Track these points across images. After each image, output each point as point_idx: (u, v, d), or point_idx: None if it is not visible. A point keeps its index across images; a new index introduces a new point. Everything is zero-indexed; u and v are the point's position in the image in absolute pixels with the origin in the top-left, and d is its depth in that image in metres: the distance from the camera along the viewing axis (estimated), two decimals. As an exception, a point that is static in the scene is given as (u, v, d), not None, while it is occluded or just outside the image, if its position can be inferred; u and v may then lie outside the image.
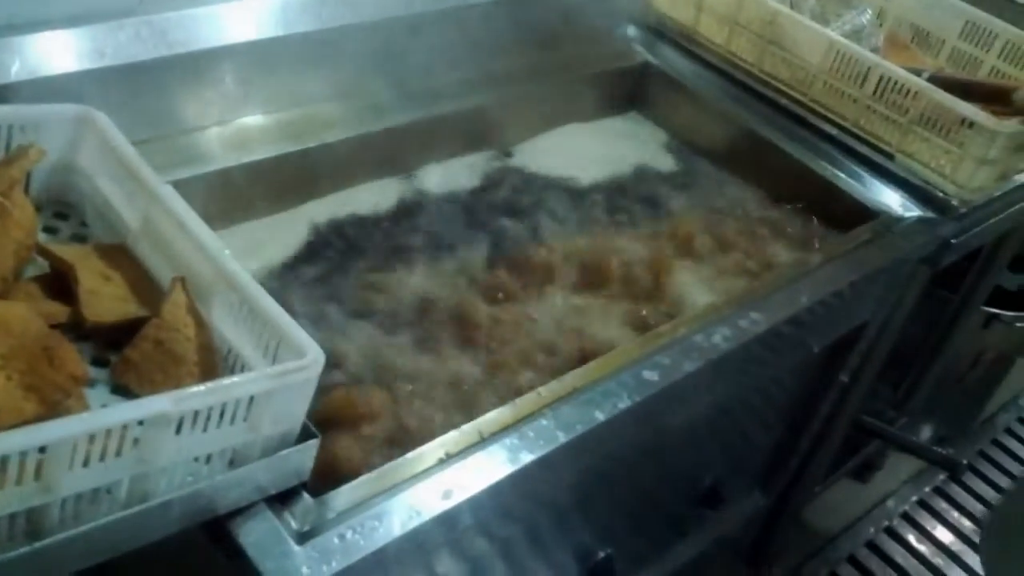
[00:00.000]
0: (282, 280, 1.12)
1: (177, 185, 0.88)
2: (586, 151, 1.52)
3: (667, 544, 1.42)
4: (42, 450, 0.60)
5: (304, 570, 0.71)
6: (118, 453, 0.63)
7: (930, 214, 1.34)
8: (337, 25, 1.25)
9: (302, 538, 0.73)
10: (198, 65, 1.13)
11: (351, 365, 1.03)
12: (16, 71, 1.00)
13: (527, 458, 0.84)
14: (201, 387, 0.66)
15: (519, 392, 0.96)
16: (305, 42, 1.22)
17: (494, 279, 1.21)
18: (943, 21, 1.68)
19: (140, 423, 0.64)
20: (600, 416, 0.89)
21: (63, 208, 0.94)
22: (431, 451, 0.83)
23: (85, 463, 0.62)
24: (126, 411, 0.63)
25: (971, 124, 1.32)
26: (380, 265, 1.19)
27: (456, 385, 1.04)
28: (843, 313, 1.28)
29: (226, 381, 0.68)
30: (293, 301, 1.08)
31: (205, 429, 0.68)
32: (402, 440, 0.95)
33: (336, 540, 0.74)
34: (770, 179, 1.49)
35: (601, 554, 1.18)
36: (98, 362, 0.80)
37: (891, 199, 1.37)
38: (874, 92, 1.41)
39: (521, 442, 0.85)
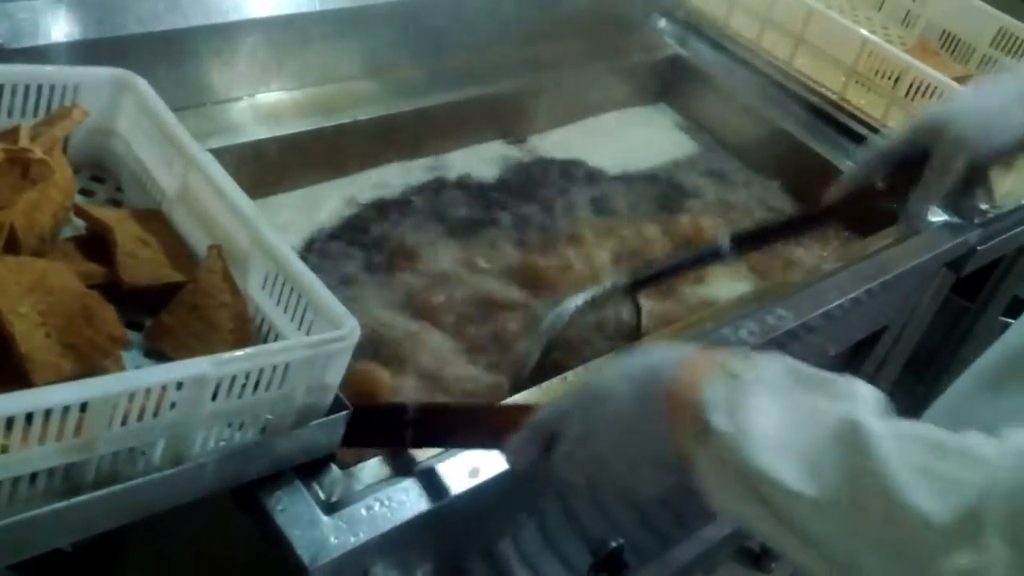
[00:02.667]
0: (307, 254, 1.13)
1: (209, 154, 0.88)
2: (614, 141, 1.52)
3: (675, 539, 1.42)
4: (83, 408, 0.60)
5: (332, 540, 0.71)
6: (156, 414, 0.64)
7: (956, 219, 1.33)
8: (371, 2, 1.25)
9: (330, 508, 0.74)
10: (233, 36, 1.14)
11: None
12: (54, 34, 1.00)
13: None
14: (240, 352, 0.66)
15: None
16: (338, 18, 1.22)
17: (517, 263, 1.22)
18: (975, 27, 1.68)
19: (179, 385, 0.64)
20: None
21: (99, 172, 0.94)
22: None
23: (124, 422, 0.62)
24: (166, 372, 0.64)
25: (1003, 130, 1.31)
26: (407, 244, 1.20)
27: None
28: (865, 315, 1.28)
29: (264, 347, 0.69)
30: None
31: (240, 395, 0.68)
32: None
33: (363, 512, 0.74)
34: (797, 177, 1.48)
35: (613, 544, 1.19)
36: (132, 325, 0.79)
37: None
38: (906, 93, 1.41)
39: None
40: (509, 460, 0.74)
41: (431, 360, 1.03)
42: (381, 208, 1.24)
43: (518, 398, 0.87)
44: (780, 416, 0.57)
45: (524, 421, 0.72)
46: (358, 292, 1.10)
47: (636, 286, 1.02)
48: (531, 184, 1.38)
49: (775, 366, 0.61)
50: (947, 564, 0.50)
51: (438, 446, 0.80)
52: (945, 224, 1.33)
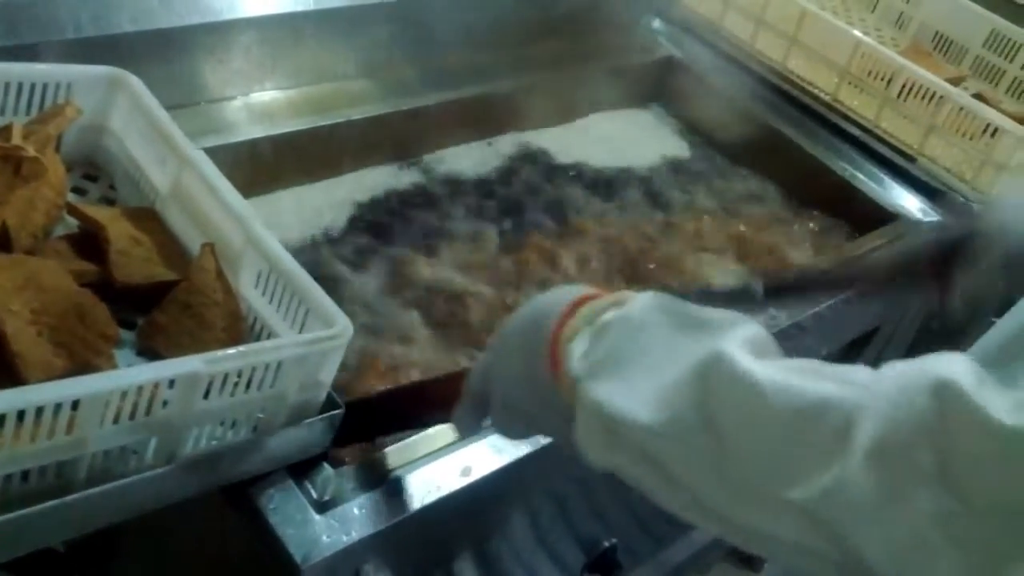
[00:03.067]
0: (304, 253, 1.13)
1: (202, 153, 0.88)
2: (607, 141, 1.52)
3: (668, 539, 1.43)
4: (74, 406, 0.60)
5: (324, 539, 0.71)
6: (148, 412, 0.64)
7: (949, 219, 1.34)
8: (366, 3, 1.25)
9: (322, 507, 0.74)
10: (227, 35, 1.14)
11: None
12: (48, 32, 1.00)
13: (546, 439, 0.84)
14: (232, 350, 0.66)
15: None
16: (333, 17, 1.22)
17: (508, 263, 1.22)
18: (967, 29, 1.69)
19: (171, 383, 0.64)
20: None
21: (92, 170, 0.94)
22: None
23: (116, 420, 0.62)
24: (159, 370, 0.64)
25: (995, 130, 1.32)
26: (400, 245, 1.20)
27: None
28: (857, 316, 1.28)
29: (257, 345, 0.69)
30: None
31: (233, 393, 0.68)
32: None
33: (356, 511, 0.74)
34: (790, 177, 1.49)
35: (606, 543, 1.19)
36: (125, 324, 0.79)
37: (910, 202, 1.37)
38: (899, 94, 1.41)
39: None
40: (455, 427, 0.73)
41: (423, 362, 1.03)
42: (375, 207, 1.24)
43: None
44: (642, 358, 0.55)
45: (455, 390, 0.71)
46: (351, 291, 1.10)
47: None
48: (524, 183, 1.38)
49: (645, 303, 0.58)
50: (813, 483, 0.48)
51: (402, 430, 0.80)
52: (937, 224, 1.34)
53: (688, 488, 0.54)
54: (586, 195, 1.39)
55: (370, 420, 0.79)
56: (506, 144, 1.43)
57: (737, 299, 0.93)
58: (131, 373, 0.64)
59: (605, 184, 1.43)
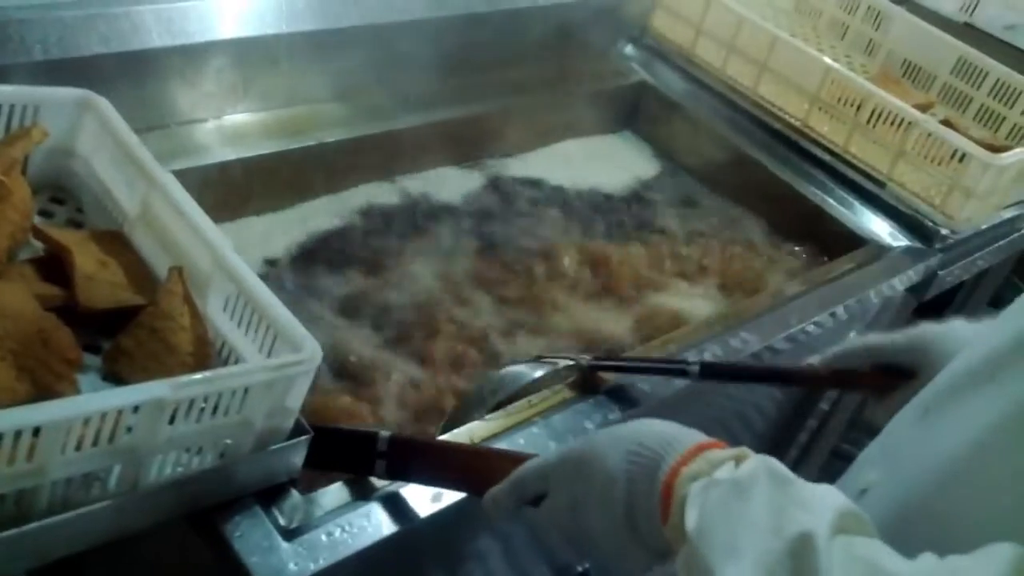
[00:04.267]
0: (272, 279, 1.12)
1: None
2: (579, 166, 1.53)
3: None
4: (36, 432, 0.59)
5: (291, 566, 0.70)
6: (111, 439, 0.63)
7: (918, 244, 1.35)
8: (339, 26, 1.25)
9: (289, 535, 0.73)
10: (198, 57, 1.13)
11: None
12: (15, 53, 0.99)
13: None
14: (199, 375, 0.65)
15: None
16: (306, 40, 1.22)
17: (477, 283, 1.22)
18: (935, 57, 1.71)
19: (135, 409, 0.63)
20: (590, 426, 0.89)
21: (59, 193, 0.93)
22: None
23: (78, 447, 0.61)
24: (123, 396, 0.63)
25: (963, 156, 1.34)
26: (369, 268, 1.19)
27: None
28: (828, 339, 1.29)
29: (224, 371, 0.68)
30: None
31: (199, 420, 0.67)
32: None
33: (324, 537, 0.73)
34: (761, 202, 1.50)
35: (579, 569, 1.18)
36: (90, 348, 0.78)
37: (880, 227, 1.39)
38: (868, 120, 1.43)
39: (512, 448, 0.85)
40: (487, 509, 0.72)
41: (395, 385, 1.02)
42: (345, 231, 1.23)
43: (480, 423, 0.87)
44: (745, 520, 0.57)
45: (505, 470, 0.71)
46: (321, 315, 1.09)
47: (597, 368, 0.97)
48: (496, 208, 1.38)
49: (755, 465, 0.60)
50: None
51: (410, 481, 0.79)
52: (907, 249, 1.35)
53: None
54: (558, 218, 1.40)
55: (367, 457, 0.77)
56: (479, 169, 1.44)
57: (673, 372, 0.96)
58: (94, 399, 0.63)
59: (576, 207, 1.43)
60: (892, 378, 0.90)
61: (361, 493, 0.77)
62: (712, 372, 0.96)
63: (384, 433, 0.78)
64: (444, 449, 0.82)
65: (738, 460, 0.61)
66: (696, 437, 0.65)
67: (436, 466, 0.78)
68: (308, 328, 0.74)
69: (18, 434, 0.57)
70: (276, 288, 1.08)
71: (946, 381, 0.70)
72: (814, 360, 0.97)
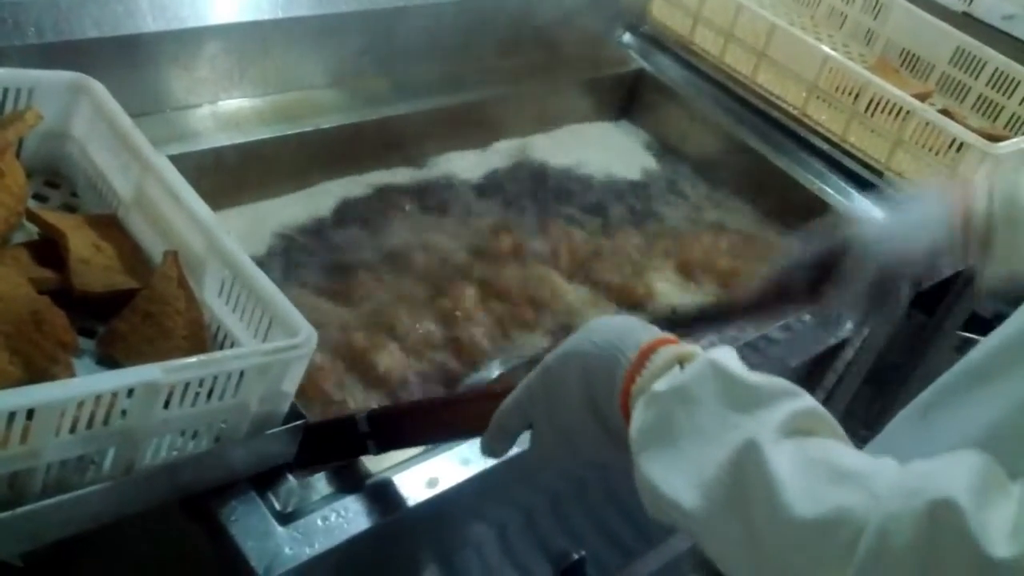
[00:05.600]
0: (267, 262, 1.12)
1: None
2: (576, 153, 1.52)
3: (637, 551, 1.42)
4: (30, 415, 0.58)
5: (287, 551, 0.70)
6: (106, 422, 0.62)
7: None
8: (336, 11, 1.24)
9: (285, 519, 0.72)
10: (193, 42, 1.12)
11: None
12: (10, 36, 0.98)
13: (514, 450, 0.83)
14: (193, 359, 0.65)
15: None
16: (302, 26, 1.21)
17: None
18: (934, 46, 1.71)
19: (130, 392, 0.63)
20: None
21: (54, 177, 0.92)
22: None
23: (72, 429, 0.61)
24: (117, 378, 0.62)
25: (961, 145, 1.33)
26: (364, 256, 1.19)
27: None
28: (823, 329, 1.29)
29: (218, 354, 0.68)
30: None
31: (194, 403, 0.67)
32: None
33: (319, 522, 0.73)
34: (758, 191, 1.50)
35: (575, 556, 1.18)
36: (84, 332, 0.78)
37: (877, 216, 1.38)
38: (866, 109, 1.42)
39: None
40: (488, 453, 0.73)
41: (389, 368, 1.02)
42: (342, 217, 1.23)
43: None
44: (690, 436, 0.58)
45: (487, 409, 0.70)
46: (316, 301, 1.09)
47: None
48: (495, 192, 1.38)
49: (699, 368, 0.60)
50: None
51: (404, 447, 0.78)
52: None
53: (724, 568, 0.57)
54: (558, 203, 1.39)
55: (354, 440, 0.77)
56: (473, 155, 1.43)
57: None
58: (89, 382, 0.63)
59: (573, 193, 1.43)
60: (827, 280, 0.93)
61: (357, 478, 0.77)
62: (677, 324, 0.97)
63: (361, 414, 0.77)
64: (423, 407, 0.81)
65: (683, 361, 0.61)
66: (643, 335, 0.64)
67: (422, 425, 0.77)
68: (303, 312, 0.73)
69: (12, 416, 0.57)
70: (273, 272, 1.09)
71: (946, 381, 0.70)
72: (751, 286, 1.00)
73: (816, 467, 0.53)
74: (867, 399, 1.78)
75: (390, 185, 1.31)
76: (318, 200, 1.24)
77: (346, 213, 1.24)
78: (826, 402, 1.48)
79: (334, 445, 0.78)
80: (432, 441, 0.79)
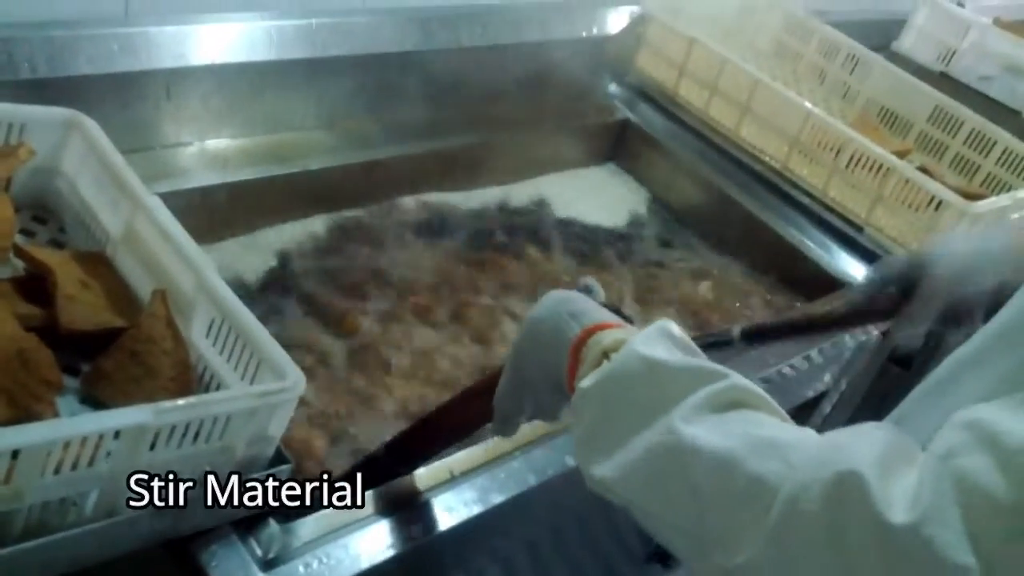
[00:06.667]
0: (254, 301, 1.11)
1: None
2: (560, 200, 1.54)
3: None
4: (14, 455, 0.58)
5: (267, 598, 0.69)
6: (91, 463, 0.62)
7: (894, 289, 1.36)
8: (328, 55, 1.25)
9: (267, 566, 0.72)
10: (185, 81, 1.13)
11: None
12: (4, 70, 0.98)
13: (497, 499, 0.83)
14: (182, 401, 0.65)
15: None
16: (293, 68, 1.22)
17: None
18: (912, 104, 1.74)
19: (116, 434, 0.62)
20: (570, 461, 0.89)
21: (42, 211, 0.92)
22: (402, 486, 0.82)
23: (57, 471, 0.60)
24: (105, 420, 0.62)
25: (939, 202, 1.36)
26: (351, 294, 1.19)
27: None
28: (802, 382, 1.29)
29: (207, 397, 0.67)
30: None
31: (180, 445, 0.66)
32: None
33: (301, 569, 0.72)
34: (739, 242, 1.52)
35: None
36: (69, 370, 0.77)
37: (857, 270, 1.40)
38: (847, 165, 1.45)
39: (492, 483, 0.85)
40: (500, 435, 0.77)
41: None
42: (327, 254, 1.23)
43: (461, 456, 0.87)
44: (614, 429, 0.61)
45: (485, 402, 0.75)
46: (300, 339, 1.09)
47: None
48: (480, 234, 1.39)
49: (624, 358, 0.62)
50: (735, 555, 0.53)
51: (428, 461, 0.83)
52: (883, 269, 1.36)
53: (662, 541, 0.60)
54: (534, 247, 1.40)
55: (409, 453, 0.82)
56: (458, 198, 1.44)
57: (718, 344, 1.02)
58: (76, 423, 0.62)
59: (553, 237, 1.43)
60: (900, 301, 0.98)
61: (340, 524, 0.76)
62: (753, 336, 1.03)
63: (380, 449, 0.82)
64: (429, 421, 0.84)
65: (608, 352, 0.64)
66: (573, 328, 0.67)
67: (433, 436, 0.82)
68: (289, 353, 0.73)
69: (-4, 456, 0.56)
70: (260, 312, 1.08)
71: (949, 363, 0.72)
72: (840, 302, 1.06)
73: (734, 439, 0.55)
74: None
75: (378, 223, 1.32)
76: (303, 237, 1.24)
77: (335, 249, 1.24)
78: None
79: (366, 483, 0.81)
80: (448, 444, 0.83)
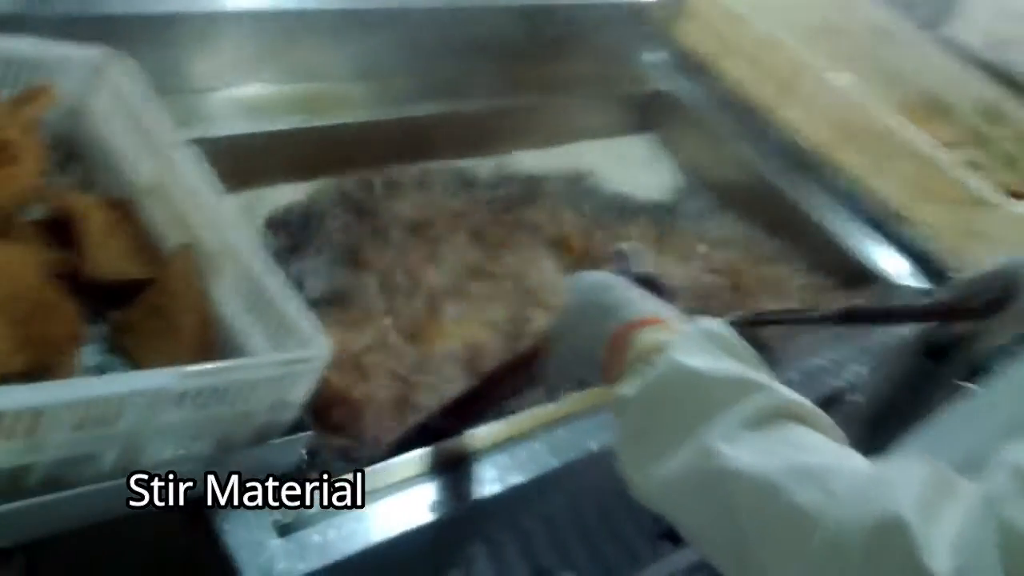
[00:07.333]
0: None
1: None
2: (593, 167, 1.50)
3: (625, 573, 1.41)
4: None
5: (279, 565, 0.68)
6: (112, 422, 0.60)
7: (932, 284, 1.33)
8: (365, 7, 1.22)
9: (283, 530, 0.71)
10: (220, 25, 1.10)
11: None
12: (35, 4, 0.96)
13: (516, 480, 0.82)
14: (207, 366, 0.63)
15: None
16: (329, 18, 1.19)
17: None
18: (964, 95, 1.69)
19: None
20: (593, 446, 0.87)
21: (73, 152, 0.90)
22: (421, 458, 0.81)
23: (79, 427, 0.59)
24: (127, 382, 0.61)
25: (984, 199, 1.32)
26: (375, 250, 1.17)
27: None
28: (830, 374, 1.27)
29: (232, 363, 0.66)
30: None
31: (201, 406, 0.65)
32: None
33: (316, 537, 0.71)
34: (772, 223, 1.48)
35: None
36: (93, 316, 0.76)
37: (894, 264, 1.37)
38: (891, 154, 1.41)
39: (512, 462, 0.83)
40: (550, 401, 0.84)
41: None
42: (358, 210, 1.20)
43: (482, 432, 0.85)
44: (656, 431, 0.61)
45: (528, 366, 0.78)
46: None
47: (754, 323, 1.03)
48: (511, 197, 1.36)
49: (663, 369, 0.62)
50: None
51: (481, 421, 0.85)
52: (920, 289, 1.33)
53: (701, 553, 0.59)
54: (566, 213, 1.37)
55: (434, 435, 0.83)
56: (489, 160, 1.41)
57: (815, 320, 0.99)
58: (98, 384, 0.61)
59: (585, 205, 1.41)
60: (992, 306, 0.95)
61: (357, 496, 0.75)
62: (852, 317, 0.99)
63: (432, 416, 0.86)
64: (478, 389, 0.87)
65: (646, 359, 0.63)
66: (617, 316, 0.67)
67: (483, 399, 0.85)
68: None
69: (19, 414, 0.55)
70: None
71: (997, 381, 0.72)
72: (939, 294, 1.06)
73: (774, 462, 0.54)
74: (866, 440, 1.76)
75: (408, 182, 1.29)
76: (331, 189, 1.22)
77: (360, 204, 1.22)
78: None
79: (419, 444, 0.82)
80: (498, 405, 0.87)
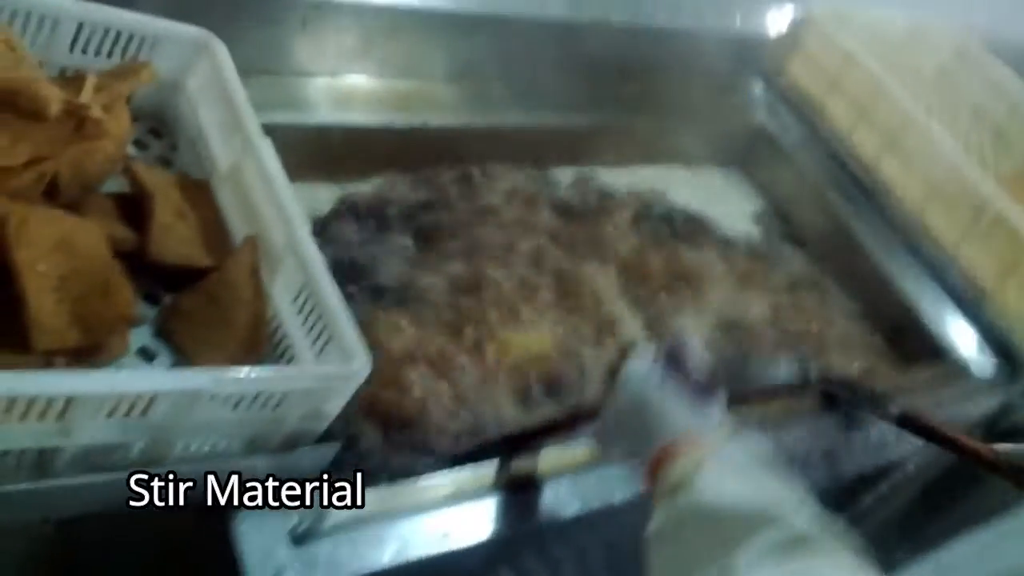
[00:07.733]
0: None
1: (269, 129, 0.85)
2: (676, 192, 1.48)
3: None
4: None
5: (289, 573, 0.69)
6: (144, 413, 0.62)
7: (1005, 370, 1.28)
8: (468, 10, 1.22)
9: (297, 539, 0.71)
10: (324, 13, 1.11)
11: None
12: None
13: (509, 527, 0.82)
14: (246, 371, 0.64)
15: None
16: (433, 18, 1.19)
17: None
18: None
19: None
20: (617, 496, 0.87)
21: (159, 126, 0.92)
22: (440, 484, 0.81)
23: (110, 414, 0.61)
24: (164, 380, 0.62)
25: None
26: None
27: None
28: (894, 448, 1.23)
29: (269, 372, 0.67)
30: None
31: (235, 407, 0.66)
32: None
33: (329, 549, 0.72)
34: (849, 280, 1.44)
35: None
36: (148, 298, 0.78)
37: (968, 342, 1.32)
38: (985, 225, 1.35)
39: (510, 503, 0.83)
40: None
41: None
42: (435, 207, 1.21)
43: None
44: (683, 554, 0.63)
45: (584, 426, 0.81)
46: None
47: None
48: (586, 212, 1.35)
49: (689, 500, 0.64)
50: None
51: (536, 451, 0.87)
52: (991, 374, 1.28)
53: None
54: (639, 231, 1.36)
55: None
56: (573, 174, 1.39)
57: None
58: (134, 379, 0.63)
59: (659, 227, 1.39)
60: None
61: (373, 516, 0.76)
62: (908, 423, 1.01)
63: (497, 438, 0.91)
64: (540, 431, 0.89)
65: (676, 490, 0.66)
66: (659, 434, 0.70)
67: (541, 434, 0.88)
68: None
69: (51, 398, 0.57)
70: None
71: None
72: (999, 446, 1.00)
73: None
74: (915, 520, 1.71)
75: (487, 188, 1.28)
76: (405, 190, 1.22)
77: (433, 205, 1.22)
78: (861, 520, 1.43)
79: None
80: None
